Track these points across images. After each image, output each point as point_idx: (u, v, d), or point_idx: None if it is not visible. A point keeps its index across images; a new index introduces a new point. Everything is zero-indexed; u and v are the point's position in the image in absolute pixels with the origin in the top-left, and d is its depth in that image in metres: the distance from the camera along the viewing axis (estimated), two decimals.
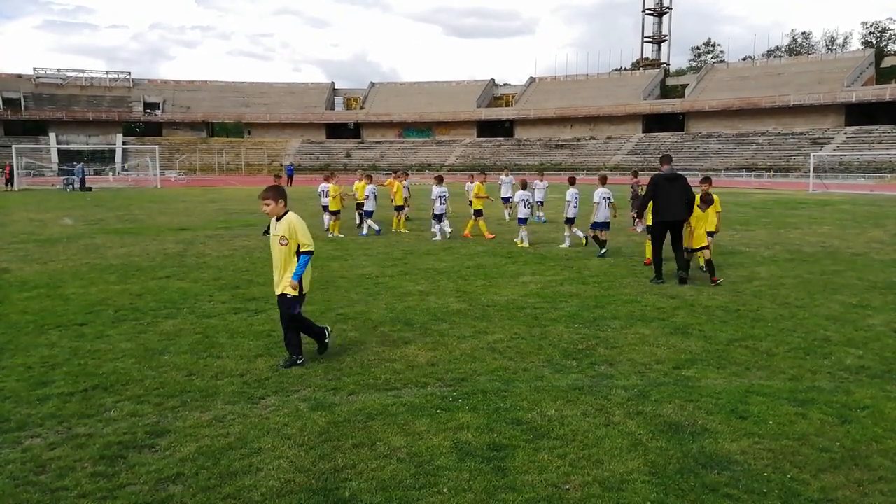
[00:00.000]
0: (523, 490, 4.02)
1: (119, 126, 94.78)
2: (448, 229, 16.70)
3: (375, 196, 18.29)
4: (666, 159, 11.24)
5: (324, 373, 6.18)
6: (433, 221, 17.04)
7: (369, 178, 18.73)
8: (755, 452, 4.53)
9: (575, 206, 14.83)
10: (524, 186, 16.21)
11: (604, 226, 13.69)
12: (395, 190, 18.73)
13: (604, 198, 13.71)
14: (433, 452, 4.52)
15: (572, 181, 15.40)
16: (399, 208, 18.63)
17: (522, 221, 15.49)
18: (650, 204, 10.77)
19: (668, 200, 10.54)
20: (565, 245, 14.86)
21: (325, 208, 18.13)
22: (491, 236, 16.74)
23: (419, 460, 4.41)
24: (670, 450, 4.56)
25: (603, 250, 13.45)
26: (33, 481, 4.16)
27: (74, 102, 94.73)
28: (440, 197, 16.63)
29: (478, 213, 17.24)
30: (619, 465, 4.34)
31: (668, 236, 10.79)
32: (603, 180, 14.33)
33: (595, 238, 13.77)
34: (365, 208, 17.95)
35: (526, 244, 15.07)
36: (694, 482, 4.11)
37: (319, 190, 18.53)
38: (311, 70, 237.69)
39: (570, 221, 14.86)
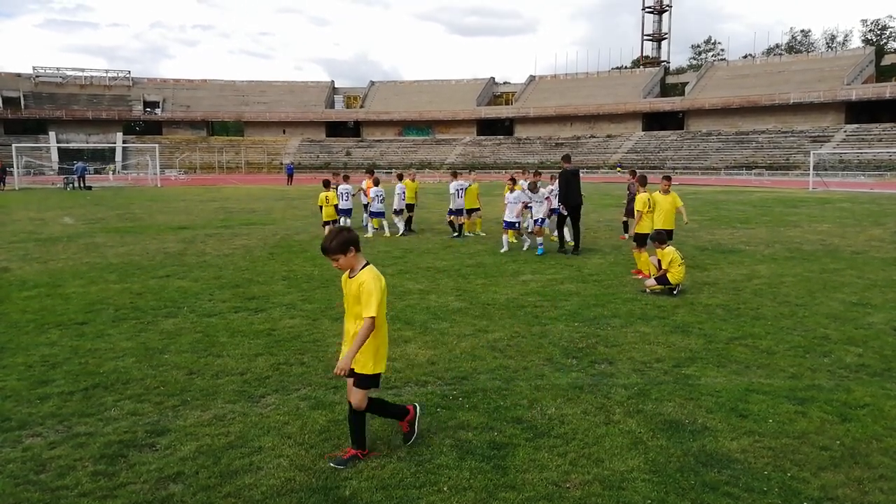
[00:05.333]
0: (524, 489, 4.03)
1: (119, 125, 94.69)
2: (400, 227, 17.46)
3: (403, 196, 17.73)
4: (566, 158, 14.39)
5: (324, 371, 6.19)
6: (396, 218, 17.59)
7: (454, 174, 18.03)
8: (755, 451, 4.53)
9: (460, 198, 16.67)
10: (400, 178, 18.09)
11: (458, 213, 16.54)
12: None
13: (457, 189, 16.59)
14: (433, 451, 4.52)
15: (455, 174, 17.49)
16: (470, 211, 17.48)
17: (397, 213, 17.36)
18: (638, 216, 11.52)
19: (575, 190, 13.70)
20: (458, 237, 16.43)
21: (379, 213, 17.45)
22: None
23: (419, 459, 4.41)
24: (670, 448, 4.56)
25: (456, 234, 16.39)
26: (34, 480, 4.16)
27: (74, 101, 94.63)
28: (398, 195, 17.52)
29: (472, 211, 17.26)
30: (619, 463, 4.35)
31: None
32: (455, 175, 17.49)
33: (450, 223, 16.61)
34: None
35: (386, 234, 16.92)
36: (694, 480, 4.12)
37: (399, 190, 17.49)
38: (312, 69, 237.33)
39: (456, 213, 16.69)
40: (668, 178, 11.86)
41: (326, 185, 16.06)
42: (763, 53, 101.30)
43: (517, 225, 14.36)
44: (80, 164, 47.68)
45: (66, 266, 12.24)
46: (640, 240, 11.30)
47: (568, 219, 13.99)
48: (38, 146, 77.83)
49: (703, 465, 4.32)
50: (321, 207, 16.08)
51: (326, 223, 15.42)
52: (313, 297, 9.49)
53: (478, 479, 4.14)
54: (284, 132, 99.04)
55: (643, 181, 12.09)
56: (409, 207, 17.80)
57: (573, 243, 13.98)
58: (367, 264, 4.35)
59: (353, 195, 17.87)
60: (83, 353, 6.74)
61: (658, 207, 11.40)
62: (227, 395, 5.60)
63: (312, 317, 8.27)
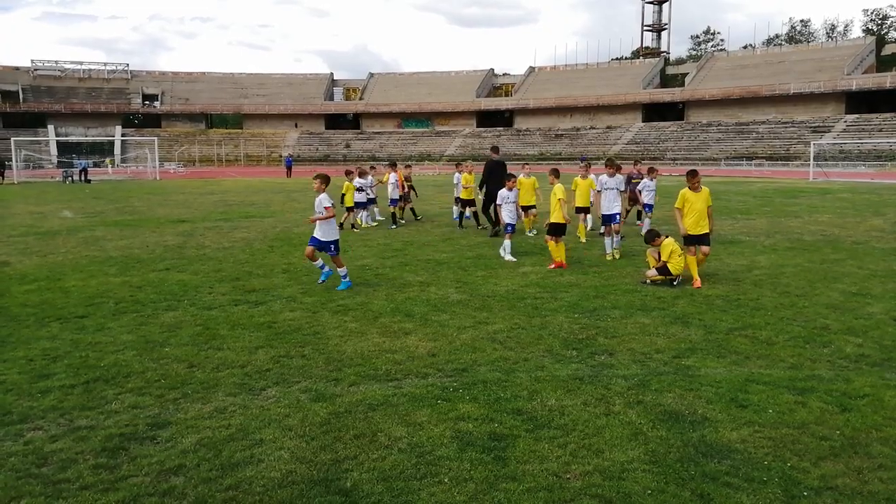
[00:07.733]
0: (524, 479, 4.04)
1: (118, 118, 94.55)
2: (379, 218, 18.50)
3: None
4: (495, 150, 15.92)
5: (324, 364, 6.20)
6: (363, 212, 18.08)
7: (392, 166, 19.31)
8: (755, 441, 4.54)
9: (397, 189, 18.09)
10: (393, 167, 18.98)
11: (395, 202, 17.91)
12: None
13: (393, 181, 18.09)
14: (434, 443, 4.53)
15: (393, 165, 18.91)
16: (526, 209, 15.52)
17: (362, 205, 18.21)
18: (557, 208, 11.20)
19: (498, 179, 14.23)
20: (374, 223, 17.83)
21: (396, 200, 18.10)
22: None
23: (420, 451, 4.42)
24: (670, 439, 4.57)
25: (393, 224, 17.53)
26: (35, 473, 4.17)
27: (73, 94, 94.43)
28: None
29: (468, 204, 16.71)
30: (619, 454, 4.35)
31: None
32: (393, 166, 18.84)
33: (393, 215, 17.81)
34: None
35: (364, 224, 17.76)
36: (694, 471, 4.13)
37: (455, 180, 17.87)
38: (312, 61, 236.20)
39: (393, 203, 18.10)
40: (694, 173, 9.73)
41: (347, 174, 17.80)
42: (763, 44, 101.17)
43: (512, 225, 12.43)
44: (82, 160, 47.71)
45: (65, 259, 12.24)
46: (554, 230, 10.96)
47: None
48: (37, 140, 77.72)
49: (703, 456, 4.33)
50: (343, 195, 17.46)
51: (349, 209, 17.23)
52: (313, 289, 9.49)
53: (478, 470, 4.15)
54: (297, 126, 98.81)
55: (556, 174, 11.67)
56: (470, 202, 16.69)
57: (493, 226, 14.92)
58: None
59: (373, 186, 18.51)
60: (84, 347, 6.75)
61: (690, 207, 9.75)
62: (228, 387, 5.61)
63: (312, 309, 8.28)
